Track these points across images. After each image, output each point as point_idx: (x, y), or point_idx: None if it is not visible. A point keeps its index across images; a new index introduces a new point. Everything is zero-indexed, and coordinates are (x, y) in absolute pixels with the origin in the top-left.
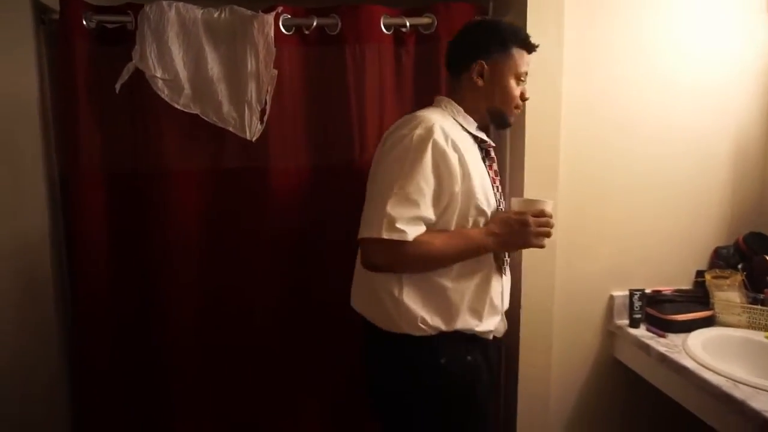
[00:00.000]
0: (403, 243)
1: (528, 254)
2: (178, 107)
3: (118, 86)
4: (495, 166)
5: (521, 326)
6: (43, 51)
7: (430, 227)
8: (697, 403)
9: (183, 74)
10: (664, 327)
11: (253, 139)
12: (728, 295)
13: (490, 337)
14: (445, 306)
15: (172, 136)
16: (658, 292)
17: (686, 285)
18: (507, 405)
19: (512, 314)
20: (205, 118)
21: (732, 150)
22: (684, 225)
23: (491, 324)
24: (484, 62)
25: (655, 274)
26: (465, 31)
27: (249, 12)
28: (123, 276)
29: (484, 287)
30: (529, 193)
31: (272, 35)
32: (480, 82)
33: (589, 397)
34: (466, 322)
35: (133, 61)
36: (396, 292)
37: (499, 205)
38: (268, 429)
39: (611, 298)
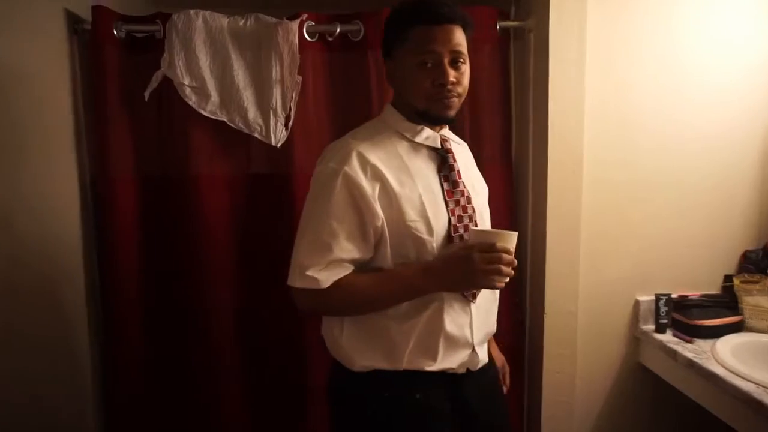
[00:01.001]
0: (319, 291)
1: (551, 260)
2: (205, 114)
3: (147, 93)
4: (455, 175)
5: (545, 332)
6: (76, 59)
7: (365, 264)
8: (727, 410)
9: (210, 81)
10: (691, 332)
11: (278, 145)
12: (758, 300)
13: (458, 372)
14: (388, 347)
15: (200, 142)
16: (685, 296)
17: (714, 289)
18: (531, 412)
19: (536, 321)
20: (232, 125)
21: (762, 151)
22: (711, 228)
23: (452, 361)
24: (388, 61)
25: (681, 278)
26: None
27: (273, 20)
28: (152, 277)
29: (435, 322)
30: (552, 197)
31: (296, 42)
32: (391, 84)
33: (615, 403)
34: (415, 362)
35: (162, 69)
36: (336, 333)
37: (461, 221)
38: None
39: (636, 302)
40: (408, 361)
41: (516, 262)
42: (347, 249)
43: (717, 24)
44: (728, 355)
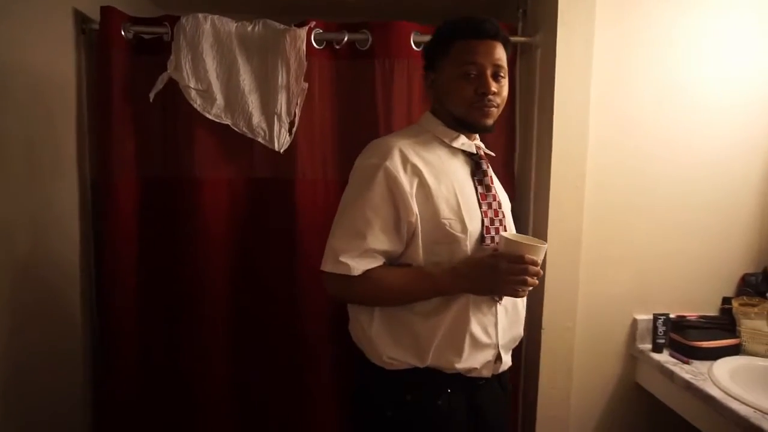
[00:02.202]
0: (349, 277)
1: (550, 275)
2: (210, 117)
3: (152, 95)
4: (488, 180)
5: (542, 347)
6: (83, 59)
7: (396, 258)
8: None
9: (216, 85)
10: (688, 353)
11: (282, 151)
12: (756, 323)
13: (483, 374)
14: (415, 341)
15: (203, 145)
16: (683, 317)
17: (712, 311)
18: (525, 425)
19: (533, 335)
20: (236, 129)
21: (762, 175)
22: (711, 250)
23: (476, 361)
24: (430, 72)
25: (680, 298)
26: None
27: (282, 26)
28: (152, 280)
29: (462, 320)
30: (553, 212)
31: (304, 49)
32: (430, 94)
33: (610, 422)
34: (442, 358)
35: (168, 71)
36: (366, 326)
37: (492, 224)
38: None
39: (634, 321)
40: (434, 356)
41: (541, 273)
42: (380, 240)
43: (723, 45)
44: (726, 378)
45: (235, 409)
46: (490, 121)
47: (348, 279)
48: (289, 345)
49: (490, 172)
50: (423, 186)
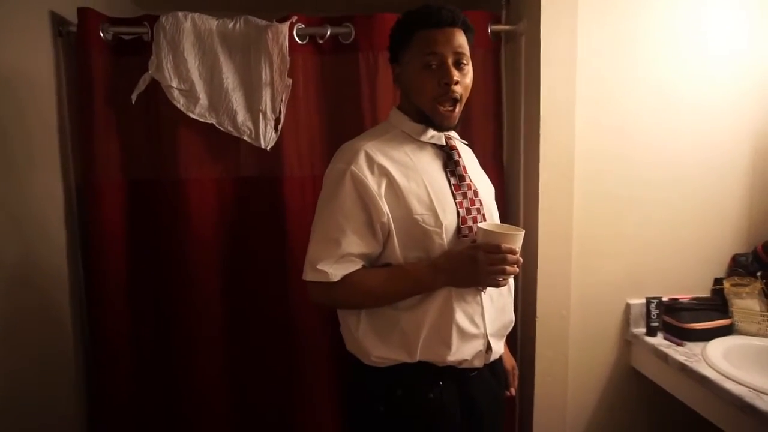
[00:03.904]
0: (329, 284)
1: (542, 264)
2: (194, 117)
3: (134, 97)
4: (461, 170)
5: (537, 337)
6: (61, 62)
7: (375, 259)
8: (719, 413)
9: (198, 84)
10: (682, 335)
11: (268, 149)
12: (747, 303)
13: (474, 365)
14: (402, 338)
15: (188, 145)
16: (676, 300)
17: (704, 293)
18: (523, 415)
19: (527, 325)
20: (221, 128)
21: (750, 157)
22: (701, 232)
23: (466, 352)
24: (395, 65)
25: (672, 281)
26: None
27: (263, 22)
28: (139, 281)
29: (446, 312)
30: (544, 201)
31: (287, 45)
32: (398, 88)
33: (607, 406)
34: (431, 352)
35: (149, 72)
36: (353, 328)
37: (469, 214)
38: None
39: (627, 306)
40: (423, 351)
41: (521, 260)
42: (355, 243)
43: (708, 32)
44: (719, 358)
45: (228, 407)
46: (453, 123)
47: (328, 286)
48: (280, 342)
49: (462, 161)
50: (392, 185)
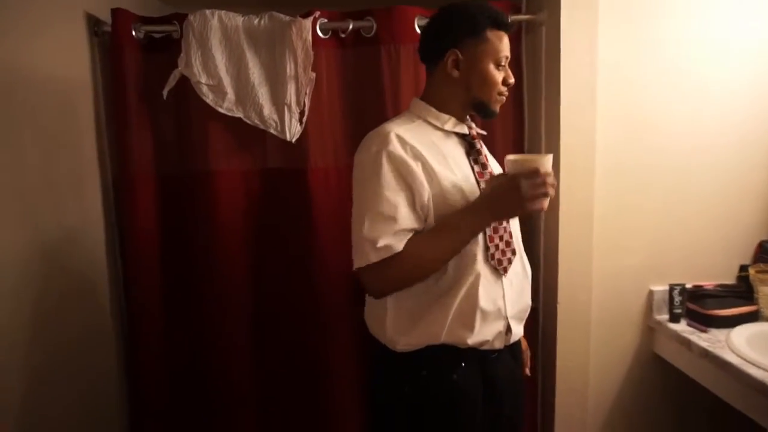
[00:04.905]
0: (392, 259)
1: (563, 249)
2: (222, 111)
3: (165, 92)
4: (483, 159)
5: (558, 322)
6: (97, 61)
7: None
8: (742, 398)
9: (226, 79)
10: (705, 322)
11: (293, 141)
12: None
13: (495, 346)
14: (429, 325)
15: (217, 139)
16: (700, 287)
17: (729, 279)
18: (545, 399)
19: (549, 310)
20: (248, 121)
21: None
22: (726, 219)
23: (488, 333)
24: (458, 51)
25: (696, 268)
26: (434, 19)
27: (287, 18)
28: (172, 269)
29: (472, 297)
30: (565, 188)
31: (310, 39)
32: (456, 74)
33: (629, 392)
34: (454, 334)
35: (179, 68)
36: (381, 316)
37: None
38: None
39: (650, 292)
40: (447, 333)
41: (555, 182)
42: (409, 219)
43: (734, 19)
44: (743, 345)
45: (254, 387)
46: (499, 108)
47: (391, 262)
48: (306, 325)
49: (484, 150)
50: (426, 168)
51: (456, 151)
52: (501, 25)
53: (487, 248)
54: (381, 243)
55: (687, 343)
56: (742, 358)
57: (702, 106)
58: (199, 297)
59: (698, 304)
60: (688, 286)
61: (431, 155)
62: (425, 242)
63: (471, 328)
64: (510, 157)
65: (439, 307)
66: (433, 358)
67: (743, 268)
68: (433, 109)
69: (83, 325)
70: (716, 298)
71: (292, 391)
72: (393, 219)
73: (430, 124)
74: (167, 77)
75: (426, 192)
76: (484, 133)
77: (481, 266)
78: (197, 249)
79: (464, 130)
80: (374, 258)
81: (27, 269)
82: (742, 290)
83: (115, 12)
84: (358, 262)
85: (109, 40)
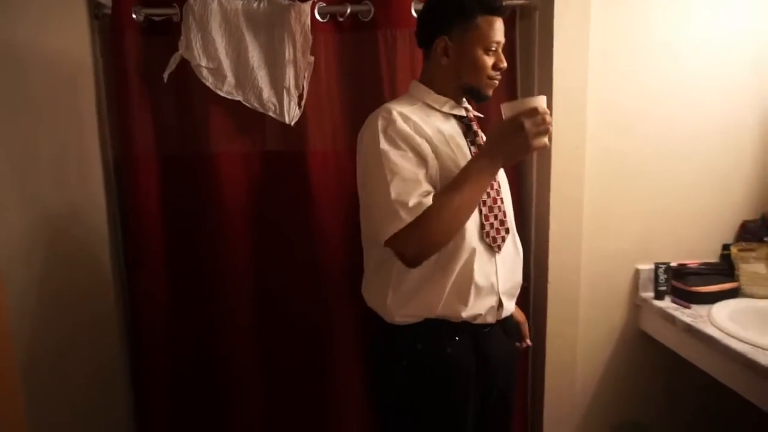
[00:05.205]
0: (425, 216)
1: (554, 230)
2: (222, 94)
3: (166, 75)
4: (480, 140)
5: (548, 300)
6: (97, 43)
7: None
8: (723, 370)
9: (226, 63)
10: (689, 299)
11: (292, 124)
12: (755, 267)
13: (488, 320)
14: (426, 298)
15: (217, 121)
16: (684, 265)
17: (712, 258)
18: (535, 374)
19: (539, 289)
20: (247, 104)
21: (759, 124)
22: (710, 199)
23: (481, 307)
24: (446, 38)
25: (680, 247)
26: (426, 6)
27: (286, 1)
28: (176, 247)
29: (467, 271)
30: (556, 170)
31: (309, 23)
32: (444, 60)
33: (616, 367)
34: (450, 307)
35: (180, 51)
36: (381, 292)
37: None
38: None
39: (637, 271)
40: (443, 305)
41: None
42: (428, 183)
43: (723, 7)
44: (724, 319)
45: (258, 370)
46: (491, 92)
47: (424, 219)
48: (307, 304)
49: (481, 133)
50: (431, 144)
51: (455, 132)
52: (492, 10)
53: (482, 226)
54: (412, 202)
55: (671, 319)
56: (723, 331)
57: (689, 94)
58: (201, 276)
59: (682, 282)
60: (673, 264)
61: (433, 134)
62: (448, 194)
63: (465, 301)
64: (504, 104)
65: (437, 280)
66: (429, 332)
67: (726, 247)
68: (432, 92)
69: (88, 307)
70: (699, 275)
71: (295, 366)
72: (418, 182)
73: (429, 106)
74: (167, 60)
75: (434, 165)
76: (481, 115)
77: (476, 243)
78: (199, 229)
79: (461, 112)
80: (409, 218)
81: (32, 251)
82: (724, 268)
83: None
84: (391, 229)
85: (109, 22)
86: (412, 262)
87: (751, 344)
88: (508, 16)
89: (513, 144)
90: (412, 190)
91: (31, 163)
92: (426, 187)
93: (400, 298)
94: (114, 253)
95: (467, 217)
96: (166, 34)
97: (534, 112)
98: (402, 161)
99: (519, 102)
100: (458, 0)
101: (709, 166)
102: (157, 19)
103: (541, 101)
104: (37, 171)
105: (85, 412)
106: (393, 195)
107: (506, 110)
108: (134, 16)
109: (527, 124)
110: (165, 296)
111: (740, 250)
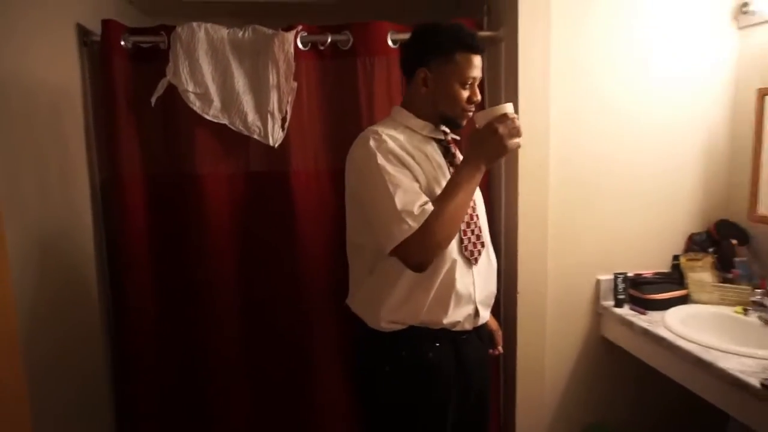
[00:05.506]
0: (429, 222)
1: (522, 245)
2: (208, 117)
3: (153, 100)
4: (457, 161)
5: (518, 310)
6: (86, 69)
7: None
8: (675, 368)
9: (212, 88)
10: (645, 305)
11: (276, 146)
12: (701, 275)
13: (465, 327)
14: (413, 303)
15: (203, 144)
16: (640, 275)
17: (664, 268)
18: (507, 379)
19: (510, 299)
20: (232, 127)
21: (703, 149)
22: (662, 215)
23: (459, 315)
24: (426, 70)
25: (636, 259)
26: (410, 38)
27: (270, 31)
28: (162, 266)
29: (448, 281)
30: (523, 190)
31: (292, 51)
32: (424, 90)
33: (581, 371)
34: (431, 315)
35: (167, 77)
36: (368, 298)
37: None
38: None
39: (598, 282)
40: (426, 312)
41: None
42: (423, 194)
43: (664, 42)
44: (676, 323)
45: (244, 382)
46: (465, 123)
47: (427, 227)
48: (293, 320)
49: (459, 154)
50: (416, 161)
51: (435, 154)
52: (470, 48)
53: (461, 240)
54: (417, 211)
55: (629, 325)
56: (675, 334)
57: (643, 119)
58: (188, 291)
59: (638, 290)
60: (630, 274)
61: (416, 154)
62: (444, 201)
63: (446, 309)
64: (478, 113)
65: (422, 289)
66: (412, 338)
67: (676, 258)
68: (413, 116)
69: (73, 326)
70: (654, 284)
71: (280, 376)
72: (418, 193)
73: (411, 129)
74: (154, 85)
75: (422, 181)
76: (458, 138)
77: (456, 255)
78: (184, 248)
79: (440, 135)
80: (415, 224)
81: (22, 271)
82: (675, 277)
83: (106, 23)
84: (398, 237)
85: (98, 49)
86: (419, 267)
87: (700, 344)
88: None
89: (491, 147)
90: (416, 200)
91: (20, 184)
92: (425, 197)
93: (392, 305)
94: (100, 274)
95: (461, 221)
96: (153, 60)
97: (504, 117)
98: (400, 176)
99: (489, 110)
100: (439, 37)
101: (660, 186)
102: (145, 46)
103: (509, 107)
104: (25, 193)
105: (68, 424)
106: (399, 206)
107: (479, 119)
108: (123, 43)
109: (500, 128)
110: (150, 315)
111: (688, 260)
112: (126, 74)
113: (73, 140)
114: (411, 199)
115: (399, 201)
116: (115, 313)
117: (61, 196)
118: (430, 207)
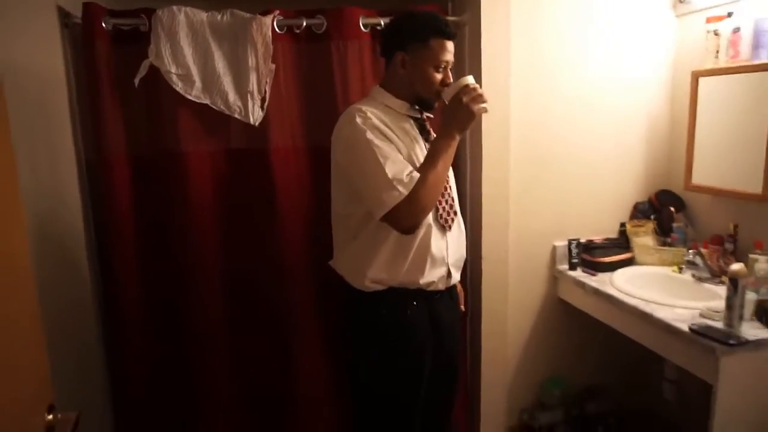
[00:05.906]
0: (415, 191)
1: (486, 216)
2: (191, 98)
3: (136, 81)
4: (432, 136)
5: (483, 274)
6: (68, 51)
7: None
8: (621, 321)
9: (194, 69)
10: (595, 268)
11: (256, 124)
12: (644, 240)
13: (439, 287)
14: (393, 266)
15: (186, 123)
16: (591, 241)
17: (613, 234)
18: (473, 339)
19: (476, 265)
20: (214, 107)
21: (646, 126)
22: (610, 187)
23: (434, 276)
24: (404, 53)
25: (588, 226)
26: (390, 23)
27: (248, 15)
28: (148, 240)
29: (425, 245)
30: (486, 163)
31: (269, 34)
32: (401, 72)
33: (539, 329)
34: (409, 276)
35: (150, 59)
36: (353, 259)
37: None
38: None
39: (554, 248)
40: (405, 274)
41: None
42: (406, 163)
43: (613, 29)
44: (623, 282)
45: (229, 352)
46: (437, 105)
47: (415, 193)
48: (274, 286)
49: (432, 132)
50: (397, 136)
51: (412, 130)
52: (444, 35)
53: (437, 209)
54: (406, 177)
55: (582, 285)
56: (621, 291)
57: (592, 98)
58: (171, 267)
59: (590, 254)
60: (582, 240)
61: (396, 130)
62: (427, 169)
63: (422, 270)
64: (445, 89)
65: (402, 252)
66: (391, 298)
67: (622, 225)
68: (392, 96)
69: (67, 296)
70: (603, 248)
71: (262, 339)
72: (404, 163)
73: (389, 107)
74: (136, 67)
75: (404, 152)
76: (432, 116)
77: (432, 222)
78: (169, 224)
79: (416, 114)
80: (405, 190)
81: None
82: (622, 242)
83: (87, 5)
84: (389, 204)
85: (79, 31)
86: (408, 230)
87: (642, 299)
88: None
89: (461, 116)
90: (403, 169)
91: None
92: (410, 167)
93: (376, 267)
94: (89, 249)
95: (443, 187)
96: (134, 42)
97: (467, 88)
98: (387, 148)
99: (453, 84)
100: (415, 23)
101: (609, 161)
102: (125, 28)
103: (470, 79)
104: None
105: (71, 387)
106: (390, 174)
107: (446, 95)
108: (104, 25)
109: (465, 98)
110: (138, 285)
111: (633, 227)
112: (108, 56)
113: (58, 122)
114: (400, 168)
115: (389, 170)
116: (103, 286)
117: (49, 177)
118: (416, 175)
